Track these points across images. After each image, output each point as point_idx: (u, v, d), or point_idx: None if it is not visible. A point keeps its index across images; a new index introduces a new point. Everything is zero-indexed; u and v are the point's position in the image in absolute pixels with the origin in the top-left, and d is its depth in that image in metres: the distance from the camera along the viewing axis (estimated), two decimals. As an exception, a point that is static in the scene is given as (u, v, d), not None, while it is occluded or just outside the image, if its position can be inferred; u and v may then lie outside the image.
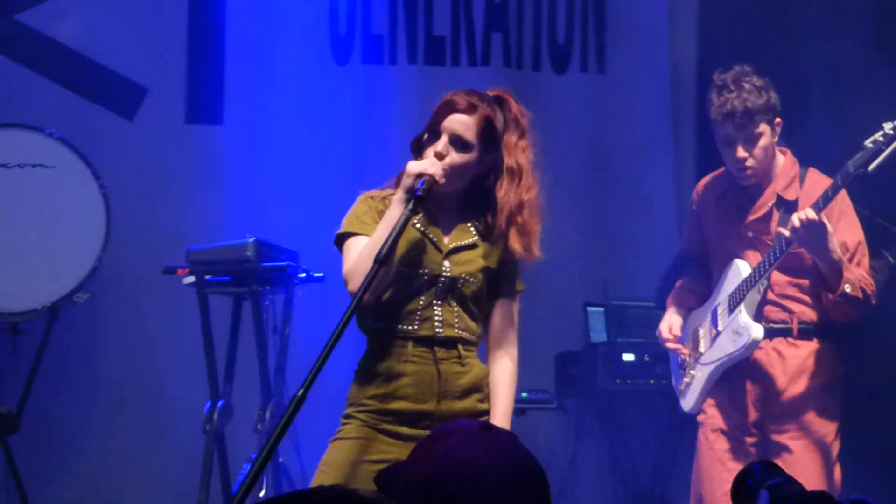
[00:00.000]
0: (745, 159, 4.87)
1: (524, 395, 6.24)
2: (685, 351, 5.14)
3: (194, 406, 6.00)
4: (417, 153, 4.00)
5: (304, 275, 5.97)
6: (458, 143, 3.93)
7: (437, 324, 3.94)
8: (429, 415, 3.92)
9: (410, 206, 3.81)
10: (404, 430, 3.91)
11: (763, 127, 4.86)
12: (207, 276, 5.87)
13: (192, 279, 5.87)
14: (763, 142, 4.87)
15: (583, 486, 6.27)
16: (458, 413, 3.91)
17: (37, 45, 6.79)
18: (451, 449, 2.13)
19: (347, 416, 3.97)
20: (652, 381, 6.35)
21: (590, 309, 6.61)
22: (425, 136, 3.98)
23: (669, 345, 5.15)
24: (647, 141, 7.07)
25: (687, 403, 5.16)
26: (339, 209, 6.67)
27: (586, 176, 7.02)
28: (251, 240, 5.80)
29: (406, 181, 3.86)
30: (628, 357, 6.41)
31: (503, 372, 3.99)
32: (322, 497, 1.51)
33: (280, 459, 5.93)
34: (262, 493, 5.79)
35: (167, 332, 6.67)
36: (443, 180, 3.88)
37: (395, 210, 3.86)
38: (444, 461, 2.11)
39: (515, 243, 4.00)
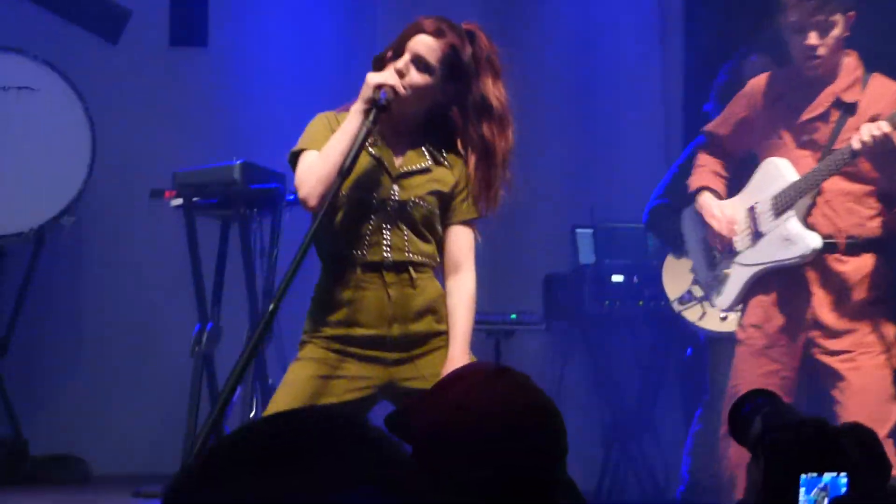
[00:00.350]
0: (816, 47, 4.72)
1: (513, 316, 6.25)
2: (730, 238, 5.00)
3: (182, 330, 6.00)
4: (375, 66, 3.94)
5: (292, 197, 5.95)
6: (419, 63, 3.88)
7: (385, 248, 3.91)
8: (382, 339, 3.90)
9: (372, 116, 3.78)
10: (366, 351, 3.90)
11: (837, 17, 4.73)
12: (195, 199, 5.83)
13: (179, 202, 5.84)
14: (835, 32, 4.73)
15: (569, 409, 6.26)
16: (414, 335, 3.91)
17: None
18: (461, 395, 2.09)
19: (304, 343, 3.95)
20: (641, 303, 6.36)
21: (578, 231, 6.61)
22: (389, 53, 3.93)
23: (724, 231, 5.00)
24: (634, 58, 7.03)
25: (723, 301, 5.07)
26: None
27: (573, 96, 7.00)
28: (238, 162, 5.76)
29: (365, 92, 3.82)
30: (617, 278, 6.41)
31: (460, 297, 3.96)
32: (311, 418, 1.47)
33: (270, 381, 5.94)
34: (252, 415, 5.80)
35: (154, 255, 6.66)
36: (403, 92, 3.83)
37: (354, 121, 3.83)
38: (453, 407, 2.07)
39: (475, 176, 3.97)
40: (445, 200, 3.98)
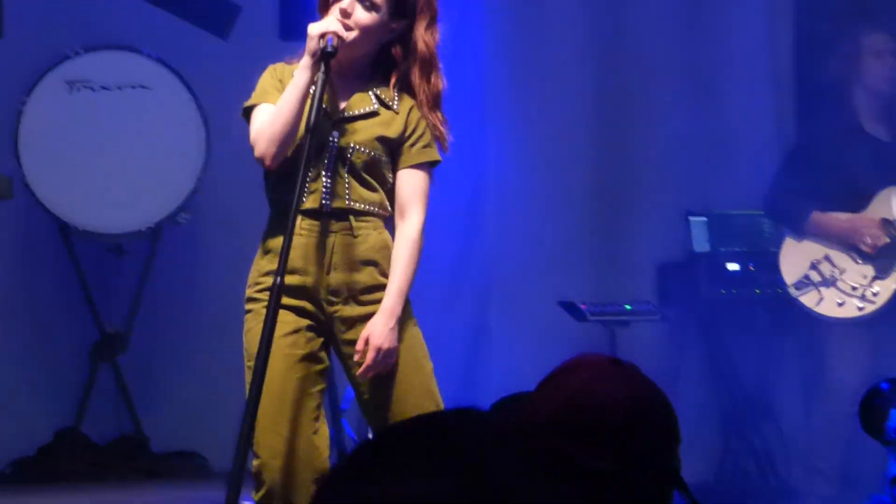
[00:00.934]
0: None
1: (627, 307, 6.22)
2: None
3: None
4: (320, 14, 3.88)
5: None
6: (363, 2, 3.79)
7: (324, 195, 3.80)
8: (317, 288, 3.80)
9: (323, 67, 3.69)
10: (300, 302, 3.79)
11: None
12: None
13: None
14: None
15: (686, 398, 6.23)
16: (354, 286, 3.80)
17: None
18: (582, 383, 2.12)
19: (248, 300, 3.86)
20: (758, 291, 6.30)
21: (692, 219, 6.54)
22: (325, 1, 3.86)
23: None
24: (744, 40, 6.89)
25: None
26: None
27: (683, 87, 6.92)
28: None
29: (310, 44, 3.74)
30: (733, 266, 6.35)
31: (401, 247, 3.82)
32: (461, 418, 1.49)
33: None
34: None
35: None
36: (348, 36, 3.75)
37: (303, 75, 3.73)
38: (575, 394, 2.10)
39: (427, 115, 3.87)
40: (393, 146, 3.87)
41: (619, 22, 6.86)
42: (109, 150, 6.28)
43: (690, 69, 6.89)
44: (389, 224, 3.92)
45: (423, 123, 3.87)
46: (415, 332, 3.91)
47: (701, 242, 6.51)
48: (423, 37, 3.85)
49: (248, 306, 3.86)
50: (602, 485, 2.02)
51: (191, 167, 6.25)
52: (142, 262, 6.42)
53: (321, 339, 3.83)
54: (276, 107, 3.78)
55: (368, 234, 3.82)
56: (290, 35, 6.88)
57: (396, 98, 3.89)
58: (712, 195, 6.67)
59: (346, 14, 3.78)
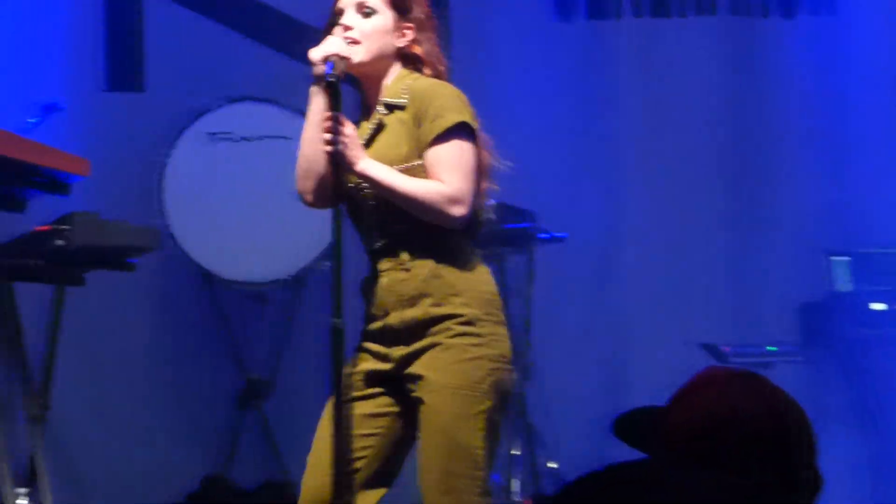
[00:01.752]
0: None
1: (770, 348, 6.17)
2: None
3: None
4: None
5: (545, 235, 5.97)
6: (361, 9, 3.58)
7: (374, 233, 3.60)
8: (380, 330, 3.61)
9: (328, 97, 3.45)
10: (373, 346, 3.65)
11: None
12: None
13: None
14: None
15: (833, 438, 6.15)
16: (410, 322, 3.54)
17: (263, 17, 6.89)
18: (716, 399, 2.09)
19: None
20: (903, 330, 6.23)
21: (833, 258, 6.48)
22: (328, 27, 3.62)
23: None
24: (884, 71, 6.84)
25: None
26: (574, 167, 6.71)
27: (820, 125, 6.86)
28: (492, 202, 5.80)
29: (316, 70, 3.51)
30: (877, 306, 6.28)
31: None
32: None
33: (528, 420, 5.97)
34: (511, 452, 5.85)
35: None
36: (354, 53, 3.52)
37: (312, 105, 3.56)
38: (714, 410, 2.07)
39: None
40: (414, 138, 3.55)
41: (759, 62, 6.84)
42: (251, 200, 6.37)
43: (832, 105, 6.84)
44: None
45: (426, 96, 3.54)
46: (475, 402, 3.54)
47: (843, 282, 6.44)
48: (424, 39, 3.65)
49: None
50: (755, 498, 2.01)
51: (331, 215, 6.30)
52: (285, 309, 6.49)
53: (388, 386, 3.63)
54: (299, 145, 3.68)
55: (418, 267, 3.56)
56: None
57: (406, 90, 3.59)
58: (852, 233, 6.61)
59: (347, 28, 3.58)
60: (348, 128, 3.50)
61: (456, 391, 3.50)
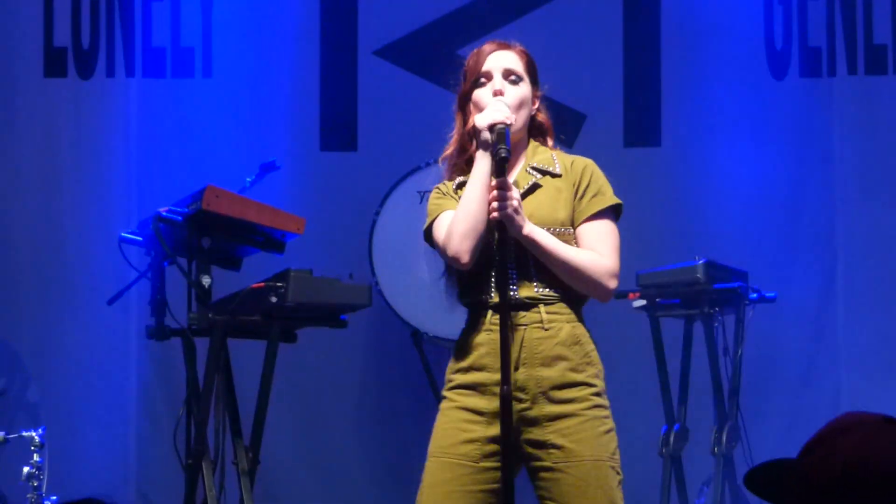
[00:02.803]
0: None
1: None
2: None
3: (650, 430, 6.01)
4: (464, 109, 3.74)
5: (755, 295, 5.89)
6: (509, 77, 3.70)
7: (511, 286, 3.59)
8: (495, 384, 3.53)
9: (504, 155, 3.50)
10: (483, 405, 3.59)
11: None
12: (658, 299, 5.88)
13: (642, 303, 5.90)
14: None
15: None
16: (543, 382, 3.56)
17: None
18: (859, 445, 1.99)
19: (441, 397, 3.71)
20: None
21: None
22: (466, 88, 3.73)
23: None
24: None
25: None
26: (790, 224, 6.63)
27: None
28: (701, 262, 5.76)
29: (483, 137, 3.56)
30: None
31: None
32: None
33: (737, 483, 5.87)
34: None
35: (619, 355, 6.71)
36: (511, 120, 3.57)
37: (481, 166, 3.57)
38: (854, 460, 1.97)
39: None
40: (570, 206, 3.67)
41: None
42: (419, 256, 6.40)
43: None
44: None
45: (587, 172, 3.69)
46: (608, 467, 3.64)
47: None
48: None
49: (441, 404, 3.73)
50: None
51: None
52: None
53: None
54: (460, 205, 3.61)
55: (561, 328, 3.60)
56: (634, 142, 6.95)
57: (556, 159, 3.73)
58: None
59: (498, 93, 3.68)
60: (515, 192, 3.59)
61: (602, 464, 3.60)
